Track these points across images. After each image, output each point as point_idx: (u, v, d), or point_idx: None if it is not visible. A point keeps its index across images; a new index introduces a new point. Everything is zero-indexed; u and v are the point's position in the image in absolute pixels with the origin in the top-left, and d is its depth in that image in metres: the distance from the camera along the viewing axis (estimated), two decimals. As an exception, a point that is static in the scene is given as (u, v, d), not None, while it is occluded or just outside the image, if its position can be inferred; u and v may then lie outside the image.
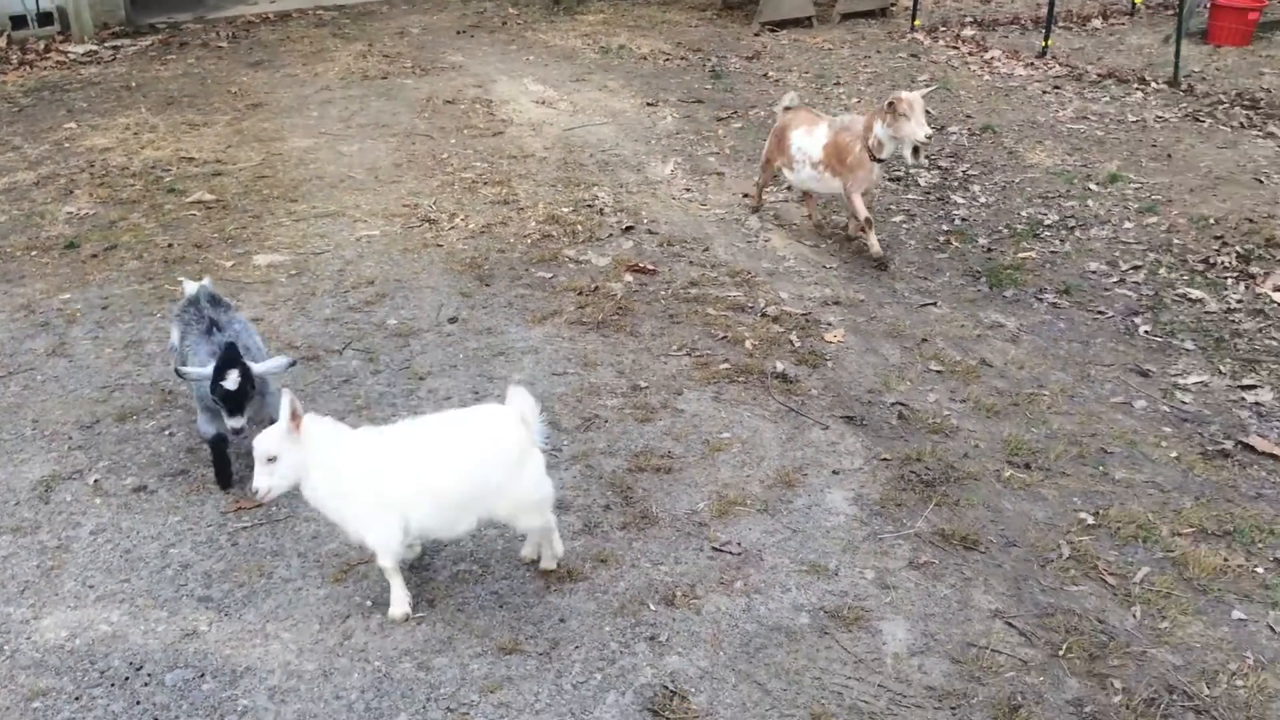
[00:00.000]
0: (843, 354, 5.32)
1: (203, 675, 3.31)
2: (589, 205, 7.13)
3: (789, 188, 7.21)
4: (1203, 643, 3.44)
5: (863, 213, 6.28)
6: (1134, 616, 3.55)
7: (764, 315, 5.68)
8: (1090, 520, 4.05)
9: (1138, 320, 5.66)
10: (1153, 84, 9.94)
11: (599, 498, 4.15)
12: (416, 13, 13.21)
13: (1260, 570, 3.77)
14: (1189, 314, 5.71)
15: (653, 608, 3.57)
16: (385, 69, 10.50)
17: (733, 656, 3.37)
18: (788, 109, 6.83)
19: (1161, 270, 6.19)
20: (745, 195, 7.34)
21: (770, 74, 10.45)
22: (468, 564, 3.78)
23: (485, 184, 7.48)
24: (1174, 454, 4.49)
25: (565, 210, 7.03)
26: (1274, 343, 5.37)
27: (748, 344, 5.36)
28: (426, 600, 3.60)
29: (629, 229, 6.77)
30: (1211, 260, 6.24)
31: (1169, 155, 8.06)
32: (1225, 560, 3.81)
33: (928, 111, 6.05)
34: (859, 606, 3.59)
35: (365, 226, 6.76)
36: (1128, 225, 6.84)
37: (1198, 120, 8.87)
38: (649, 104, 9.45)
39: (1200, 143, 8.34)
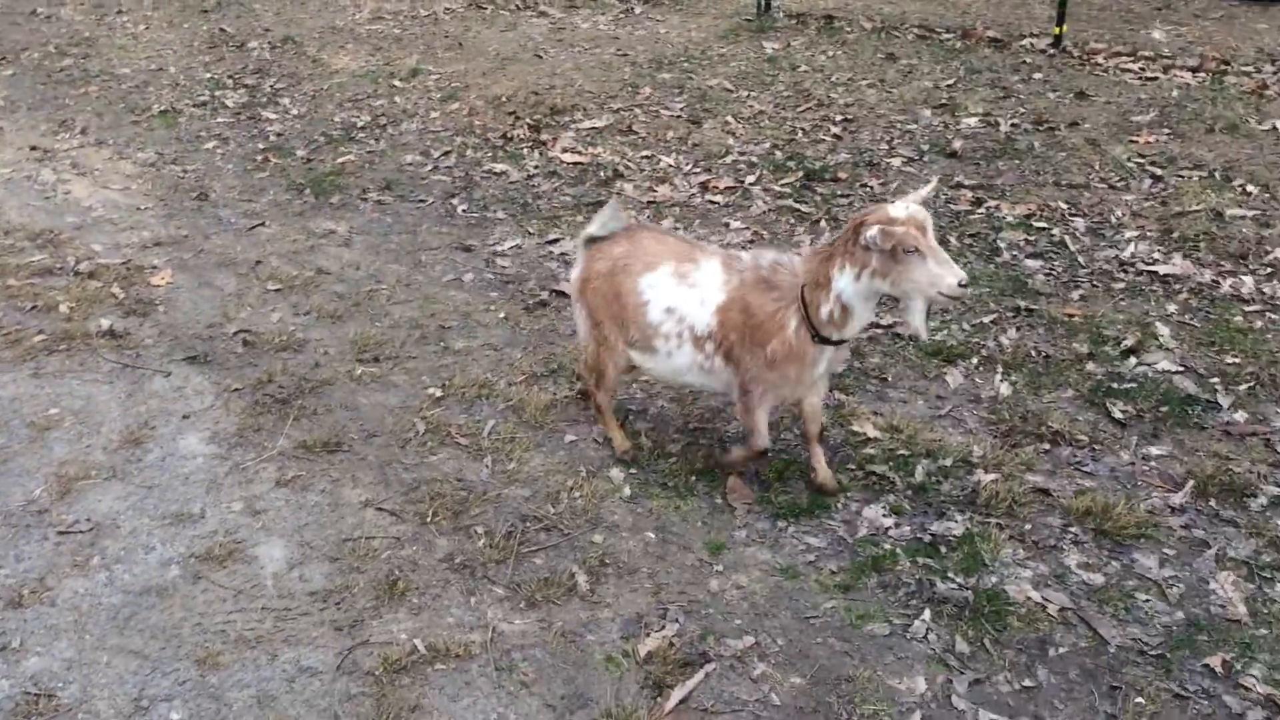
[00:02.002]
0: (174, 295, 5.05)
1: None
2: None
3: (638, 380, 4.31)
4: (545, 471, 3.88)
5: (763, 439, 3.50)
6: (487, 467, 3.89)
7: (77, 274, 5.19)
8: (439, 394, 4.33)
9: (455, 201, 6.06)
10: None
11: (-96, 521, 3.58)
12: None
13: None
14: (497, 187, 6.22)
15: (-3, 617, 3.20)
16: None
17: (101, 636, 3.15)
18: (594, 240, 3.64)
19: (469, 151, 6.66)
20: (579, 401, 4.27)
21: (39, 10, 9.33)
22: None
23: None
24: (502, 315, 4.93)
25: None
26: (568, 199, 6.06)
27: (63, 308, 4.88)
28: None
29: (-113, 209, 5.75)
30: (509, 135, 6.84)
31: (460, 44, 8.60)
32: (553, 396, 4.30)
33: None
34: (231, 541, 3.52)
35: None
36: (434, 115, 7.23)
37: (481, 8, 9.55)
38: (-114, 59, 7.99)
39: (486, 29, 8.99)
